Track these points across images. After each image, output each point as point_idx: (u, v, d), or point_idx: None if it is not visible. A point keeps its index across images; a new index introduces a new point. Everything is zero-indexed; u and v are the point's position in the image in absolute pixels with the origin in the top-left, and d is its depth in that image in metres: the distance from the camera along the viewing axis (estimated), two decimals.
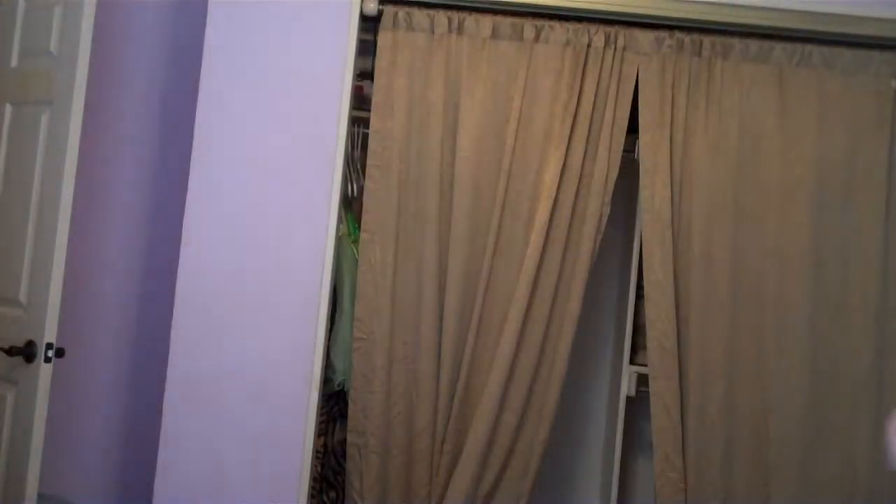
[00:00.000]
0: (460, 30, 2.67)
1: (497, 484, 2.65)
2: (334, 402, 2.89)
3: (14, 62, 2.54)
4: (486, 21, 2.66)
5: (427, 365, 2.63)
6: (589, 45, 2.66)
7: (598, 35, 2.65)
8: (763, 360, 2.60)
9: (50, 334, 2.29)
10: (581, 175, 2.64)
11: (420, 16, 2.67)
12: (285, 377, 2.55)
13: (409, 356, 2.65)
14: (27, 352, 2.29)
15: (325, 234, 2.58)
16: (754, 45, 2.65)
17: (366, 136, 2.76)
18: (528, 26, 2.67)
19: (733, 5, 2.59)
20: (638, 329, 2.99)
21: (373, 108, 2.68)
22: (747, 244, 2.62)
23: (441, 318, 2.63)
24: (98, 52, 2.42)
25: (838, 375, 2.60)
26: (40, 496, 2.30)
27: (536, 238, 2.60)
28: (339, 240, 2.67)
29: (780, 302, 2.60)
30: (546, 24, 2.67)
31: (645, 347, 2.69)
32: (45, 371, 2.28)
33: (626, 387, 3.00)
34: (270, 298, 2.57)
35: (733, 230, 2.62)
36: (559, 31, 2.66)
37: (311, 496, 2.64)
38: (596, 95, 2.64)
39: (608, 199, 2.65)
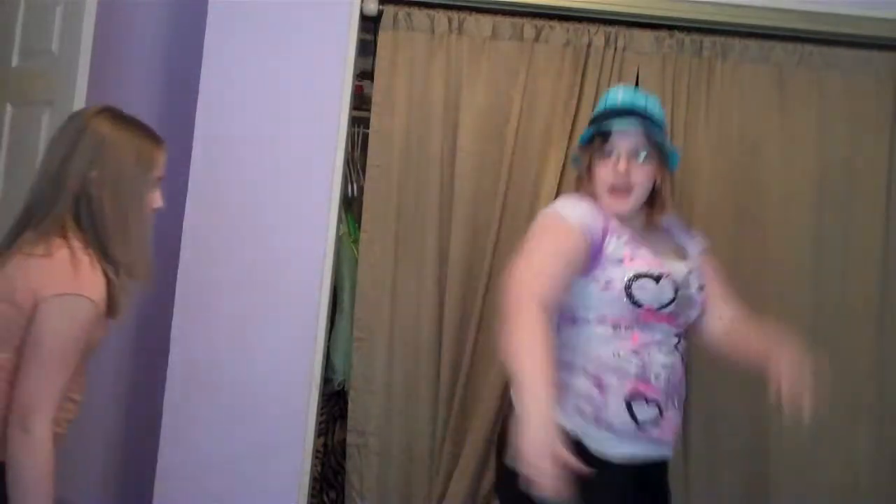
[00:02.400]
0: (460, 30, 2.67)
1: None
2: (334, 402, 2.89)
3: (14, 62, 2.55)
4: (486, 21, 2.66)
5: (427, 365, 2.63)
6: (589, 45, 2.66)
7: (598, 35, 2.65)
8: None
9: None
10: None
11: (420, 16, 2.67)
12: (285, 377, 2.55)
13: (409, 356, 2.65)
14: None
15: (325, 234, 2.58)
16: (754, 45, 2.65)
17: (366, 136, 2.77)
18: (528, 26, 2.67)
19: (733, 5, 2.59)
20: None
21: (373, 108, 2.68)
22: (747, 244, 2.62)
23: (441, 318, 2.63)
24: (98, 52, 2.42)
25: (838, 376, 2.59)
26: None
27: None
28: (339, 240, 2.67)
29: (780, 302, 2.59)
30: (546, 24, 2.67)
31: None
32: None
33: None
34: (270, 298, 2.56)
35: (733, 230, 2.62)
36: (559, 31, 2.66)
37: (311, 496, 2.64)
38: (596, 95, 2.63)
39: None
